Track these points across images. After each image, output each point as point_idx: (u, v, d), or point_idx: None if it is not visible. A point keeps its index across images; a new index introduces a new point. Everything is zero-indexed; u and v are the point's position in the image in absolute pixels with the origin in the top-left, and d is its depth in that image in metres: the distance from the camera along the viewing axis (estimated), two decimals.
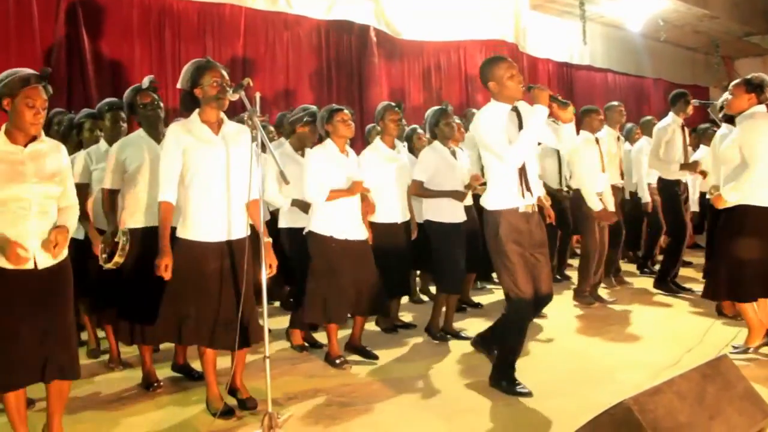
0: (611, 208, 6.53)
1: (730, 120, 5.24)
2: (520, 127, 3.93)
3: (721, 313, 5.81)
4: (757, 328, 4.64)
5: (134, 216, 4.11)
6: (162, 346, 4.67)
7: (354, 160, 4.73)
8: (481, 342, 4.62)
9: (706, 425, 2.67)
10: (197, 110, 3.68)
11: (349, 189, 4.52)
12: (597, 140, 6.34)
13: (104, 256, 4.01)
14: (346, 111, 4.62)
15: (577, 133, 6.38)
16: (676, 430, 2.54)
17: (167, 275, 3.55)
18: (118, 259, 3.94)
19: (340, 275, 4.51)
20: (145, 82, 4.25)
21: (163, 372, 4.46)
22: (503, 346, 4.11)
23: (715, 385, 2.89)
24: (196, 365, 4.23)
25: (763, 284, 4.58)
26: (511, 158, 3.84)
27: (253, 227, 3.79)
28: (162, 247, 3.56)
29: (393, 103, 5.24)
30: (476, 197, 5.11)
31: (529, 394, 3.98)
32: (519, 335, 4.05)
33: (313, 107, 5.19)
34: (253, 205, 3.61)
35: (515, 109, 3.98)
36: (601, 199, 6.30)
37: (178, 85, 3.75)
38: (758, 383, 3.62)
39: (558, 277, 7.62)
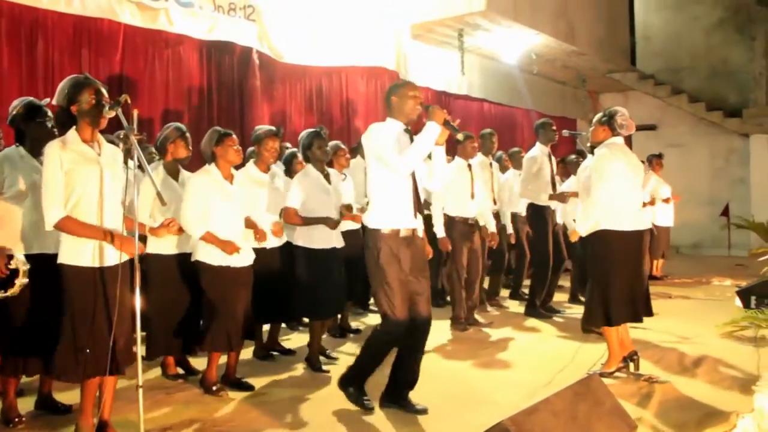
0: (492, 230, 6.79)
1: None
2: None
3: (587, 330, 6.00)
4: (616, 355, 4.82)
5: (15, 241, 3.78)
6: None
7: (238, 185, 4.63)
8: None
9: None
10: (74, 127, 3.50)
11: (226, 247, 4.37)
12: (470, 167, 6.51)
13: None
14: (234, 137, 4.55)
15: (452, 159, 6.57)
16: None
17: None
18: (19, 286, 3.65)
19: (234, 303, 4.45)
20: (45, 101, 4.03)
21: (27, 405, 4.15)
22: (364, 355, 4.16)
23: (587, 403, 3.03)
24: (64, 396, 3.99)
25: (631, 308, 4.80)
26: (401, 167, 3.93)
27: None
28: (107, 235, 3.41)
29: (274, 129, 5.19)
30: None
31: (371, 410, 4.09)
32: (382, 351, 4.12)
33: (179, 124, 4.96)
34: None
35: (407, 131, 4.08)
36: (471, 224, 6.46)
37: (54, 101, 3.57)
38: (623, 399, 3.83)
39: (440, 301, 7.65)
